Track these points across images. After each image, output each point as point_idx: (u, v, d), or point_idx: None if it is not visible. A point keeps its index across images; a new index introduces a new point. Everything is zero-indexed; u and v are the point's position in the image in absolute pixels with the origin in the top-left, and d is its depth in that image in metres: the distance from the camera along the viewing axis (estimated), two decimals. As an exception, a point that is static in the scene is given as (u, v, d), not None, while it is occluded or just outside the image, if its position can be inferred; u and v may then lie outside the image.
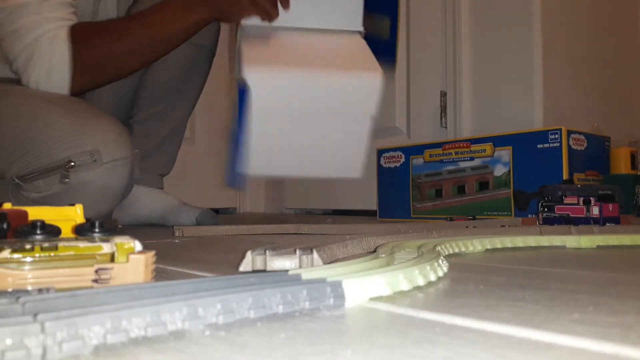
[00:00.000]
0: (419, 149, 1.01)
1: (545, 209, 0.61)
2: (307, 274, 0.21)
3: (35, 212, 0.24)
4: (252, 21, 0.75)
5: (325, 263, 0.31)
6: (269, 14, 0.73)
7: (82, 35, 0.71)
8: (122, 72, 0.78)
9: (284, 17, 0.76)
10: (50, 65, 0.70)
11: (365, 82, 0.72)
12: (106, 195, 0.69)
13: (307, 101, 0.72)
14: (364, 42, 0.79)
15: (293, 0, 0.75)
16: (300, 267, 0.30)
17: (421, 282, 0.25)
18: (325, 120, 0.73)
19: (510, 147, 0.87)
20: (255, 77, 0.69)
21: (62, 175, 0.65)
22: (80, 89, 0.74)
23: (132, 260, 0.20)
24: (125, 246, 0.21)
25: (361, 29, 0.79)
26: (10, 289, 0.19)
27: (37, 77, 0.70)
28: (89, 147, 0.65)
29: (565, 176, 0.81)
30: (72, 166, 0.65)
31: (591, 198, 0.58)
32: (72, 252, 0.20)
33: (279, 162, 0.76)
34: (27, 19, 0.68)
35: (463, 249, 0.40)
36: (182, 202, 0.97)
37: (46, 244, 0.20)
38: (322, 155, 0.76)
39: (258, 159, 0.75)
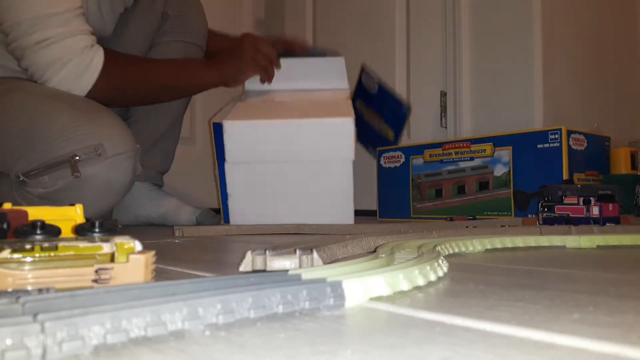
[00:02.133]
0: (419, 149, 1.01)
1: (545, 209, 0.61)
2: (307, 274, 0.21)
3: (35, 212, 0.23)
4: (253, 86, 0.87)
5: (325, 263, 0.31)
6: (268, 72, 0.87)
7: (116, 60, 0.75)
8: (133, 102, 0.86)
9: (280, 82, 0.88)
10: (82, 72, 0.71)
11: (336, 127, 0.76)
12: (110, 190, 0.70)
13: (281, 151, 0.75)
14: (347, 92, 0.86)
15: (289, 67, 0.89)
16: (300, 267, 0.30)
17: (421, 282, 0.25)
18: (304, 170, 0.76)
19: (510, 147, 0.87)
20: (230, 129, 0.76)
21: (68, 170, 0.66)
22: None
23: (132, 260, 0.20)
24: (125, 246, 0.21)
25: (347, 87, 0.88)
26: (10, 289, 0.19)
27: (64, 76, 0.71)
28: (93, 142, 0.66)
29: (565, 176, 0.81)
30: (77, 160, 0.66)
31: (591, 198, 0.58)
32: (72, 252, 0.20)
33: (263, 212, 0.77)
34: (57, 29, 0.68)
35: (463, 249, 0.40)
36: (182, 202, 0.97)
37: (46, 244, 0.20)
38: (308, 203, 0.78)
39: (239, 211, 0.77)
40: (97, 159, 0.66)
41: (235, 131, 0.78)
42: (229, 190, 0.80)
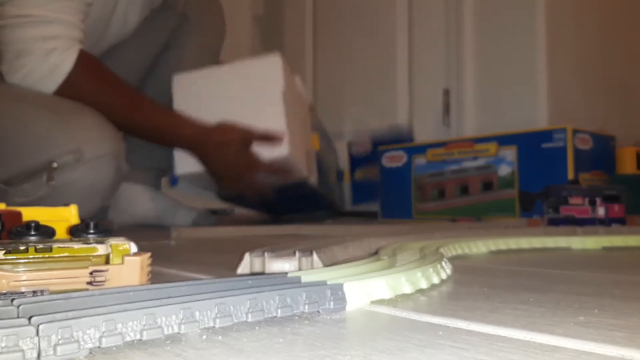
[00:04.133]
0: (421, 149, 1.00)
1: (550, 210, 0.61)
2: (306, 277, 0.21)
3: (29, 213, 0.23)
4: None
5: (325, 265, 0.30)
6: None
7: (90, 70, 0.71)
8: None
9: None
10: (43, 74, 0.68)
11: (266, 63, 0.85)
12: (93, 193, 0.68)
13: (221, 94, 0.84)
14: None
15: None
16: (299, 269, 0.29)
17: (424, 284, 0.24)
18: (240, 106, 0.83)
19: (515, 147, 0.87)
20: (178, 82, 0.86)
21: (46, 178, 0.64)
22: None
23: (127, 262, 0.20)
24: (121, 248, 0.21)
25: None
26: (4, 291, 0.19)
27: (25, 74, 0.68)
28: (70, 147, 0.64)
29: (570, 176, 0.81)
30: (55, 167, 0.64)
31: (597, 198, 0.57)
32: (66, 254, 0.20)
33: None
34: (36, 9, 0.66)
35: (466, 251, 0.40)
36: (179, 203, 0.97)
37: (40, 246, 0.20)
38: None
39: (182, 158, 0.84)
40: (76, 164, 0.65)
41: (183, 82, 0.86)
42: None
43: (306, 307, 0.19)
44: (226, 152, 0.78)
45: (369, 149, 1.12)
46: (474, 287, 0.25)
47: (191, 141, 0.78)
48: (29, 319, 0.15)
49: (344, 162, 1.15)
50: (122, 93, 0.74)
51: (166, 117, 0.78)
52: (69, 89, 0.69)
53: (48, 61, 0.67)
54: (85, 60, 0.70)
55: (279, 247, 0.33)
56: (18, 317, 0.15)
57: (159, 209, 0.95)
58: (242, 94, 0.83)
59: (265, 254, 0.29)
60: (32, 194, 0.66)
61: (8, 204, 0.72)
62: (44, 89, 0.69)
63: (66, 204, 0.23)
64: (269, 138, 0.79)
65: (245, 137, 0.78)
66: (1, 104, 0.69)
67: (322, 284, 0.20)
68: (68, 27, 0.69)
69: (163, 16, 0.93)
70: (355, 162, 1.18)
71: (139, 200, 0.96)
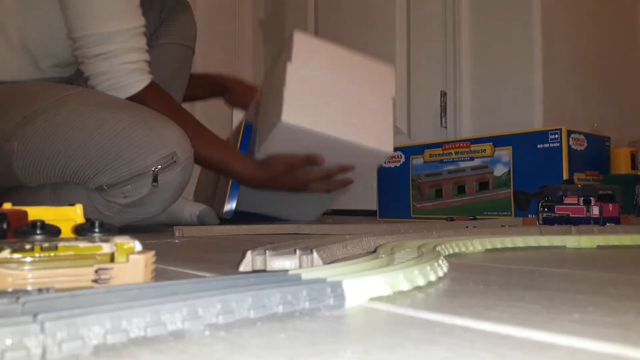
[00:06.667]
0: (419, 149, 1.01)
1: (546, 209, 0.61)
2: (307, 274, 0.21)
3: (35, 212, 0.23)
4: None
5: (325, 263, 0.31)
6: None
7: (155, 95, 0.80)
8: None
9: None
10: (120, 89, 0.77)
11: (381, 69, 0.87)
12: (179, 191, 0.76)
13: (333, 68, 0.84)
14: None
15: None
16: (300, 267, 0.29)
17: (421, 282, 0.25)
18: (347, 93, 0.85)
19: (510, 147, 0.87)
20: (298, 38, 0.84)
21: (153, 179, 0.72)
22: None
23: (131, 260, 0.20)
24: (125, 246, 0.21)
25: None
26: (10, 289, 0.19)
27: (105, 88, 0.77)
28: (169, 150, 0.72)
29: (565, 176, 0.81)
30: (160, 169, 0.72)
31: (591, 198, 0.58)
32: (71, 252, 0.20)
33: (313, 115, 0.84)
34: (116, 45, 0.75)
35: (463, 249, 0.40)
36: (184, 198, 0.98)
37: (46, 244, 0.20)
38: (352, 121, 0.85)
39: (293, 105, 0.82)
40: (174, 166, 0.72)
41: (302, 40, 0.84)
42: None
43: (307, 303, 0.19)
44: (273, 184, 0.87)
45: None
46: (470, 285, 0.26)
47: (241, 178, 0.87)
48: (35, 316, 0.15)
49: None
50: (186, 121, 0.81)
51: (222, 152, 0.85)
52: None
53: (127, 75, 0.76)
54: (155, 87, 0.79)
55: (280, 246, 0.33)
56: (23, 314, 0.16)
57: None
58: (352, 83, 0.84)
59: (267, 252, 0.30)
60: (135, 195, 0.73)
61: (110, 206, 0.73)
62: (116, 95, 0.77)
63: (71, 204, 0.23)
64: (311, 160, 0.84)
65: (291, 164, 0.85)
66: (89, 112, 0.75)
67: (322, 281, 0.20)
68: (141, 54, 0.78)
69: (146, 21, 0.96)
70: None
71: None
